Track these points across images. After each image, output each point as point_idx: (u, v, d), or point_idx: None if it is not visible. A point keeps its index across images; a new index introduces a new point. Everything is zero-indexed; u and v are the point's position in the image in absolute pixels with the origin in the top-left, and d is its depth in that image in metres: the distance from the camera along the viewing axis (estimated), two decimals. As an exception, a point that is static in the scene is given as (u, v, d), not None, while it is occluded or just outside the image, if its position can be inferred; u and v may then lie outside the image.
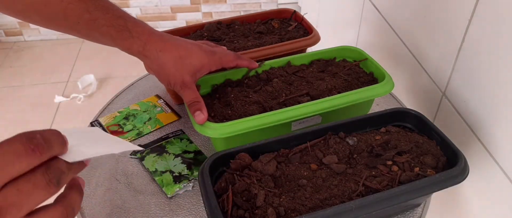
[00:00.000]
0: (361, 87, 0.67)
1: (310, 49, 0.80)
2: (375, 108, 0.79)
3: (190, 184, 0.64)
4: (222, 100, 0.66)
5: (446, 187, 0.50)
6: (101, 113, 0.80)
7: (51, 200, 0.31)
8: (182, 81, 0.62)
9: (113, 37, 0.59)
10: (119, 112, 0.79)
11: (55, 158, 0.30)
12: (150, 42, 0.61)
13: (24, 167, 0.27)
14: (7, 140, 0.28)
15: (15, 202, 0.27)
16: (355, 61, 0.75)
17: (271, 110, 0.63)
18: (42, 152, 0.28)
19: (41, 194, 0.28)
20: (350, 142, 0.57)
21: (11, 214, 0.27)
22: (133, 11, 2.28)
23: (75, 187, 0.33)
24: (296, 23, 0.86)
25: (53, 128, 0.30)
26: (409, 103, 0.85)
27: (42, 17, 0.57)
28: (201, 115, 0.59)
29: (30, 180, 0.28)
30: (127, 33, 0.59)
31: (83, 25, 0.58)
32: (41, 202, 0.29)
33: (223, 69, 0.69)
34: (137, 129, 0.75)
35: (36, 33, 2.36)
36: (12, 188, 0.27)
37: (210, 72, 0.67)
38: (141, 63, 0.72)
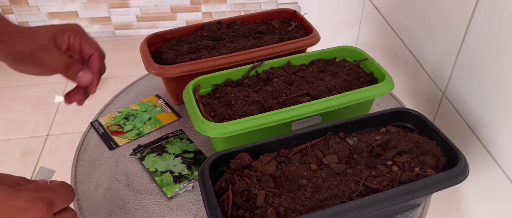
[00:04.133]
0: (361, 87, 0.67)
1: (310, 49, 0.80)
2: (375, 108, 0.79)
3: (190, 184, 0.64)
4: (222, 100, 0.66)
5: (446, 187, 0.50)
6: (101, 113, 0.81)
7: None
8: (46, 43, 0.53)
9: None
10: (119, 112, 0.79)
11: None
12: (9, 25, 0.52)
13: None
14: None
15: None
16: (355, 61, 0.75)
17: (271, 109, 0.63)
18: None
19: None
20: (350, 142, 0.57)
21: None
22: (133, 11, 2.28)
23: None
24: (296, 23, 0.86)
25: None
26: (409, 103, 0.85)
27: None
28: (87, 74, 0.54)
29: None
30: None
31: None
32: None
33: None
34: (137, 129, 0.75)
35: (36, 33, 2.36)
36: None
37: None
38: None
